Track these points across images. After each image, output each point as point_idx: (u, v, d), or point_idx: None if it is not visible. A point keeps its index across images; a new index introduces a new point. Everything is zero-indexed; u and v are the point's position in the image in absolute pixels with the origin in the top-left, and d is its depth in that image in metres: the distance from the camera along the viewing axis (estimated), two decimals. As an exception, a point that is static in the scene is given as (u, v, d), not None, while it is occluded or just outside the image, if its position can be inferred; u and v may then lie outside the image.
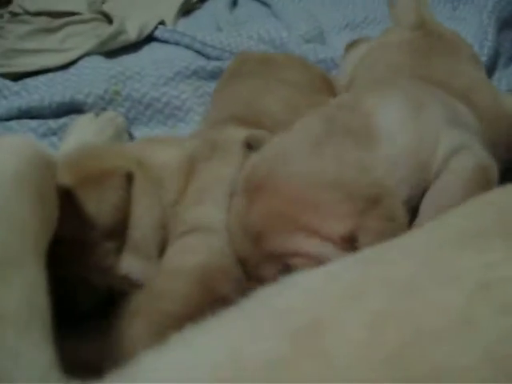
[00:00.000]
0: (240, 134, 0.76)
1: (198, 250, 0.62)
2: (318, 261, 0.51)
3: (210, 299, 0.58)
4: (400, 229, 0.54)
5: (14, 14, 1.72)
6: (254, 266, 0.58)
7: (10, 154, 0.45)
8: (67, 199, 0.58)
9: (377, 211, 0.54)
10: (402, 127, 0.61)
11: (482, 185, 0.59)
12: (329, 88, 0.99)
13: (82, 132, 1.00)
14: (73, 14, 1.67)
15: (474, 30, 1.35)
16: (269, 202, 0.58)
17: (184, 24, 1.67)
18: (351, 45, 1.10)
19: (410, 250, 0.37)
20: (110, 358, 0.52)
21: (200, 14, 1.75)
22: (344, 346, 0.28)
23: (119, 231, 0.61)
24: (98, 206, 0.60)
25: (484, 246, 0.32)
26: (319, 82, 0.99)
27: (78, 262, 0.60)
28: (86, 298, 0.61)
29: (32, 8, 1.72)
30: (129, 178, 0.63)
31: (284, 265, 0.55)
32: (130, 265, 0.61)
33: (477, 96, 0.74)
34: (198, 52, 1.43)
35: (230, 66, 1.07)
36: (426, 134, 0.61)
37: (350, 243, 0.53)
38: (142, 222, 0.63)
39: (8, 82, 1.28)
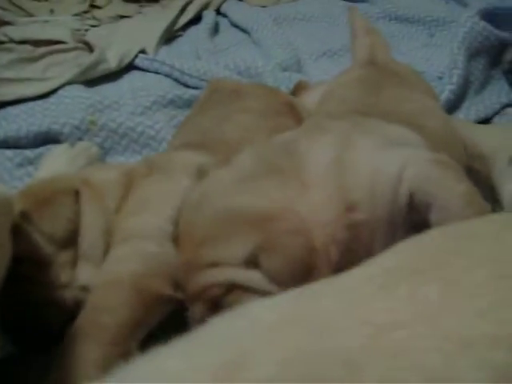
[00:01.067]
0: (186, 156, 0.83)
1: (130, 258, 0.65)
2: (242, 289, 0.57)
3: (151, 303, 0.62)
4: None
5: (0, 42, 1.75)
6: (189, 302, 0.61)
7: None
8: (23, 222, 0.65)
9: (276, 227, 0.57)
10: (329, 172, 0.62)
11: (447, 174, 0.61)
12: (294, 113, 1.02)
13: (54, 163, 1.03)
14: (57, 42, 1.70)
15: (449, 57, 1.37)
16: (188, 245, 0.63)
17: (165, 52, 1.69)
18: (297, 87, 1.17)
19: (340, 286, 0.39)
20: None
21: (182, 42, 1.78)
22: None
23: (72, 241, 0.68)
24: (53, 221, 0.67)
25: (391, 290, 0.35)
26: (284, 108, 1.02)
27: (40, 281, 0.65)
28: (56, 318, 0.64)
29: (17, 36, 1.74)
30: (76, 194, 0.71)
31: (211, 303, 0.58)
32: (85, 274, 0.67)
33: (427, 122, 0.76)
34: (177, 80, 1.46)
35: (202, 95, 1.11)
36: (357, 174, 0.62)
37: (254, 265, 0.57)
38: (90, 231, 0.69)
39: (-12, 112, 1.30)
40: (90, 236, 0.69)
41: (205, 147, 0.87)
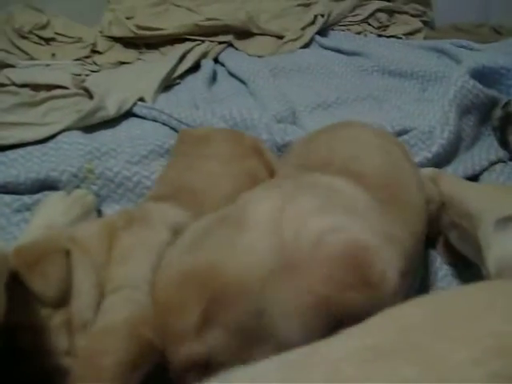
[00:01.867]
0: (161, 208, 0.89)
1: (122, 306, 0.69)
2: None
3: (145, 348, 0.64)
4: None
5: (1, 85, 1.78)
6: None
7: None
8: (14, 287, 0.65)
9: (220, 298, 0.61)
10: (265, 217, 0.66)
11: (350, 262, 0.62)
12: (259, 156, 1.08)
13: (49, 211, 1.04)
14: (57, 86, 1.73)
15: (440, 112, 1.41)
16: (156, 308, 0.68)
17: (164, 99, 1.73)
18: None
19: (321, 360, 0.40)
20: None
21: (180, 90, 1.82)
22: None
23: (65, 301, 0.68)
24: (45, 281, 0.68)
25: (371, 368, 0.36)
26: (249, 152, 1.08)
27: (37, 350, 0.65)
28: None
29: (18, 79, 1.78)
30: (66, 253, 0.72)
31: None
32: (84, 340, 0.67)
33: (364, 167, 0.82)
34: (174, 129, 1.49)
35: (173, 146, 1.22)
36: (290, 222, 0.65)
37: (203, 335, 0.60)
38: (83, 290, 0.71)
39: (-13, 155, 1.32)
40: (83, 296, 0.70)
41: (173, 198, 0.92)
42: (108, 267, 0.75)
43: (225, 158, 1.03)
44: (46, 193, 1.17)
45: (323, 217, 0.67)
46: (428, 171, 1.09)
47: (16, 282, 0.66)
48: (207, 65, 1.92)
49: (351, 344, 0.42)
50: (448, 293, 0.51)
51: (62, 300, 0.68)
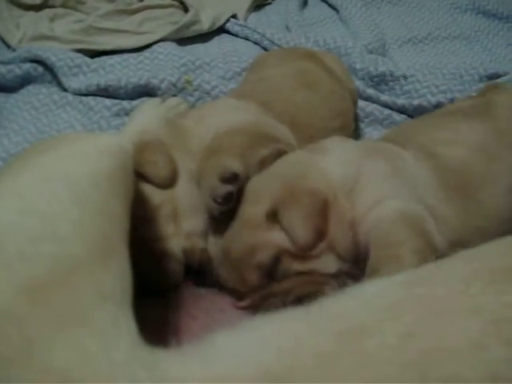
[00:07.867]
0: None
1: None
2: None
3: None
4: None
5: (96, -10, 1.81)
6: None
7: (105, 155, 0.53)
8: None
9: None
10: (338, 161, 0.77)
11: (407, 226, 0.67)
12: (312, 59, 1.12)
13: (145, 117, 1.08)
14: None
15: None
16: None
17: (254, 19, 1.74)
18: None
19: (447, 277, 0.44)
20: None
21: (271, 11, 1.82)
22: (379, 349, 0.36)
23: (175, 181, 0.78)
24: (156, 166, 0.77)
25: (506, 287, 0.40)
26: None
27: (151, 237, 0.73)
28: (171, 269, 0.72)
29: (113, -15, 1.80)
30: (162, 144, 0.82)
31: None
32: (187, 223, 0.76)
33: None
34: (265, 49, 1.51)
35: None
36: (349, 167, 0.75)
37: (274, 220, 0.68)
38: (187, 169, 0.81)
39: (87, 59, 1.36)
40: (186, 177, 0.79)
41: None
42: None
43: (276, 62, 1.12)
44: (144, 99, 1.22)
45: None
46: None
47: None
48: (299, -13, 1.91)
49: (473, 266, 0.45)
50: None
51: (173, 179, 0.78)
